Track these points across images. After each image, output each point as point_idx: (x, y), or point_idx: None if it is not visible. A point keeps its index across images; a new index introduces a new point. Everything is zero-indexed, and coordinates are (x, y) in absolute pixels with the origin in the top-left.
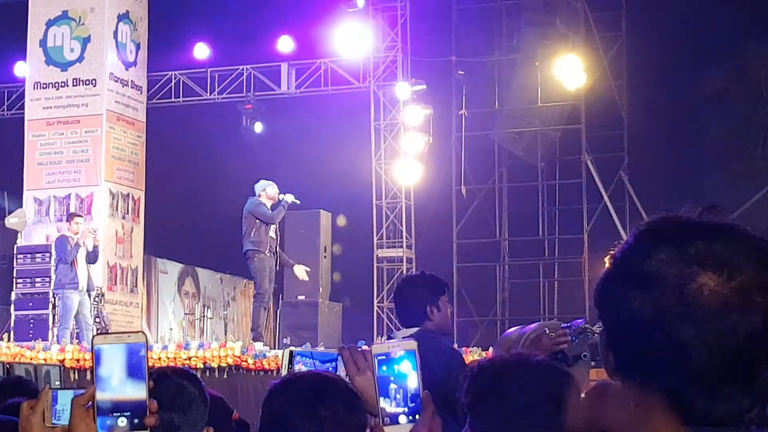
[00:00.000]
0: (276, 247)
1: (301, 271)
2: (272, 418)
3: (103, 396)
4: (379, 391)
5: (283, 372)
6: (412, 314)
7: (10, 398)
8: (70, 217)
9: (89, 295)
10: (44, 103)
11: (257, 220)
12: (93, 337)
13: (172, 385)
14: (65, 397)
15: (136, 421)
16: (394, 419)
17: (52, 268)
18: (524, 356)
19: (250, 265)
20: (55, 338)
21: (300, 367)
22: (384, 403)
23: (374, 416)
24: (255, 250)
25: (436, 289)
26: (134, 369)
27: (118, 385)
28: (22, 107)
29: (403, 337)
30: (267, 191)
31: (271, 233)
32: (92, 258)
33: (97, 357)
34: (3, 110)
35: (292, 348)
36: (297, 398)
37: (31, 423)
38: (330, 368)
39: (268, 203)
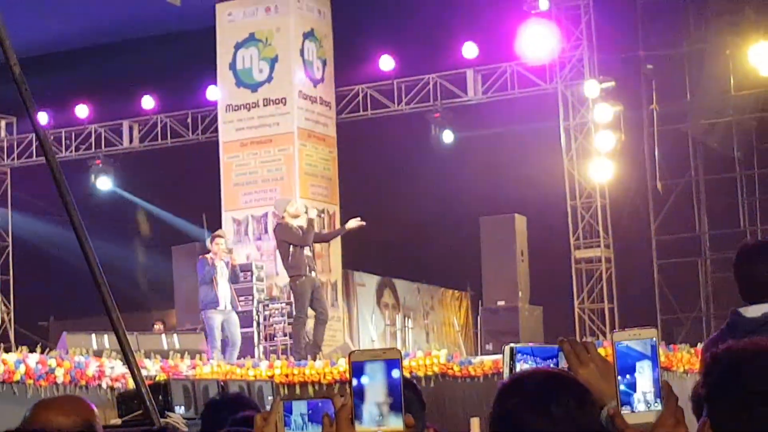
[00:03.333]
0: (314, 264)
1: (353, 223)
2: (503, 417)
3: (361, 410)
4: (618, 377)
5: (505, 370)
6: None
7: (235, 412)
8: (213, 237)
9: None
10: (237, 125)
11: (290, 245)
12: (351, 353)
13: None
14: (299, 408)
15: None
16: (633, 407)
17: (255, 287)
18: (762, 344)
19: (292, 289)
20: (261, 355)
21: (521, 365)
22: (623, 390)
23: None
24: (295, 275)
25: None
26: (390, 384)
27: (374, 399)
28: (216, 130)
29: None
30: (288, 211)
31: (307, 252)
32: (233, 277)
33: (354, 372)
34: (197, 134)
35: (512, 345)
36: (528, 397)
37: None
38: (551, 364)
39: (294, 222)
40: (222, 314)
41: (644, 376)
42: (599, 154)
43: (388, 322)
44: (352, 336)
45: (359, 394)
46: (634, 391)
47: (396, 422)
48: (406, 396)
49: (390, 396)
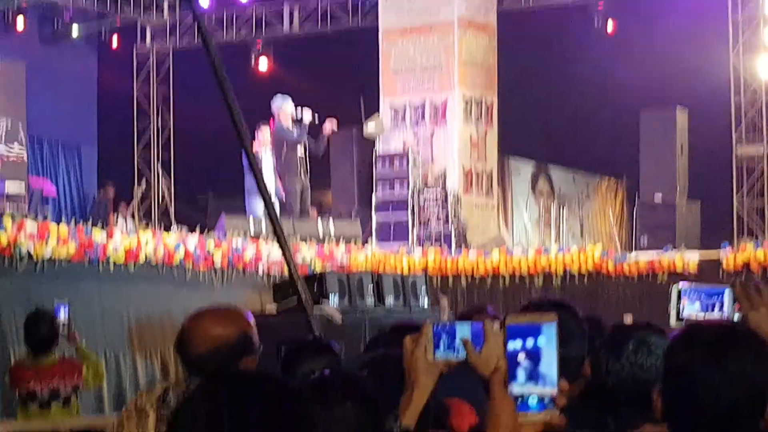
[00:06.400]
0: (306, 166)
1: (328, 126)
2: (676, 371)
3: (516, 373)
4: None
5: (672, 312)
6: None
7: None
8: (258, 126)
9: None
10: (397, 12)
11: (283, 143)
12: (506, 316)
13: None
14: (463, 330)
15: (546, 400)
16: None
17: (410, 174)
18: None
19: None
20: (415, 242)
21: (684, 300)
22: None
23: None
24: (284, 172)
25: None
26: (546, 350)
27: (528, 364)
28: (376, 16)
29: None
30: (284, 109)
31: (300, 153)
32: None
33: (509, 335)
34: (357, 20)
35: (679, 287)
36: (702, 351)
37: (415, 357)
38: (716, 302)
39: (288, 121)
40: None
41: None
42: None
43: (542, 210)
44: (507, 224)
45: (514, 357)
46: None
47: (551, 386)
48: (568, 326)
49: (546, 361)
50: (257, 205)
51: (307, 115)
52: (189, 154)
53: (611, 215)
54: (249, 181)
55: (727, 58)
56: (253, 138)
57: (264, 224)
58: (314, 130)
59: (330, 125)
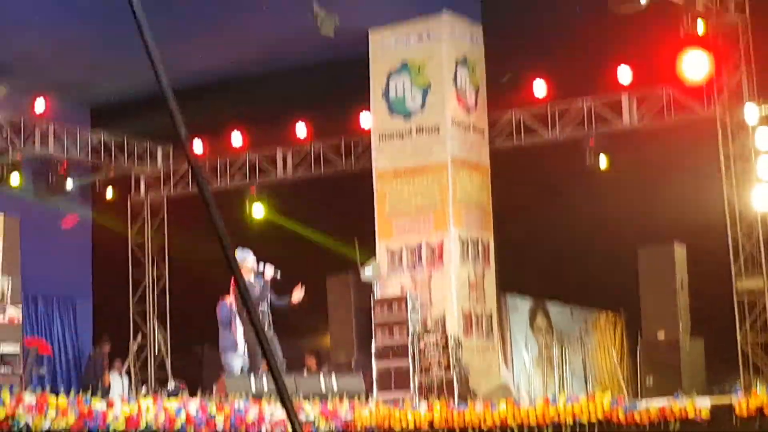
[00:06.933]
0: (270, 320)
1: (297, 295)
2: None
3: None
4: None
5: None
6: None
7: None
8: (233, 280)
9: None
10: (390, 154)
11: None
12: None
13: None
14: None
15: None
16: None
17: (409, 319)
18: None
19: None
20: (416, 389)
21: None
22: None
23: None
24: (246, 328)
25: None
26: None
27: None
28: (369, 158)
29: None
30: (245, 263)
31: (263, 308)
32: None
33: None
34: (351, 162)
35: None
36: None
37: None
38: None
39: (250, 276)
40: (240, 358)
41: None
42: (761, 181)
43: (541, 347)
44: (507, 361)
45: None
46: None
47: None
48: None
49: None
50: (234, 362)
51: (269, 271)
52: (185, 304)
53: (613, 352)
54: (223, 338)
55: (721, 191)
56: (228, 292)
57: (265, 383)
58: (278, 285)
59: (298, 294)
